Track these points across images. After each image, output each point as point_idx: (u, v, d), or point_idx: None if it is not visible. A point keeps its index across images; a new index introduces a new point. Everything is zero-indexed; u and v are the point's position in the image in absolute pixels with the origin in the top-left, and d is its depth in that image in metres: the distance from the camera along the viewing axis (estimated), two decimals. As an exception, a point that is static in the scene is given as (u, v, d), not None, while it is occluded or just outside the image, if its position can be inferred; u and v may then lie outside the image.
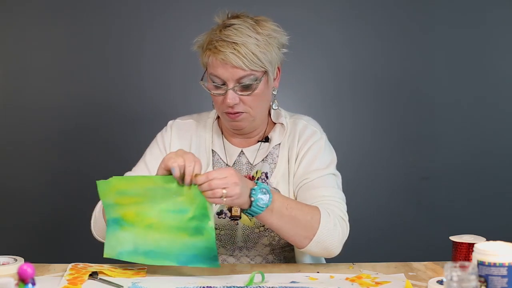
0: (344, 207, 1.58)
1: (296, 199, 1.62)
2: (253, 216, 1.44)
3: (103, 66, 2.58)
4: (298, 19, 2.52)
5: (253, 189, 1.41)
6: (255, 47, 1.53)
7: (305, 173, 1.62)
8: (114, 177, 1.42)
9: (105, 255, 1.47)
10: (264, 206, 1.42)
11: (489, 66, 2.65)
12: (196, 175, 1.37)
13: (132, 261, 1.46)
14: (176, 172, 1.37)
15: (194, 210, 1.39)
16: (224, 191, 1.35)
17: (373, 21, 2.62)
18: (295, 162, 1.65)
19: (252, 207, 1.42)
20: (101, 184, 1.43)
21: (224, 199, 1.36)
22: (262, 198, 1.41)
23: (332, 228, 1.50)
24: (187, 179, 1.37)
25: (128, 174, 1.67)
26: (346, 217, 1.56)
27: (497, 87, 2.66)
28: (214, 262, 1.42)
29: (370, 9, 2.62)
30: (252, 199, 1.41)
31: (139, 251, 1.45)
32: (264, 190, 1.42)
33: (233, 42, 1.52)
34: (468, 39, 2.63)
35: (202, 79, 1.62)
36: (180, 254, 1.43)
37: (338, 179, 1.66)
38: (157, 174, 1.42)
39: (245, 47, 1.52)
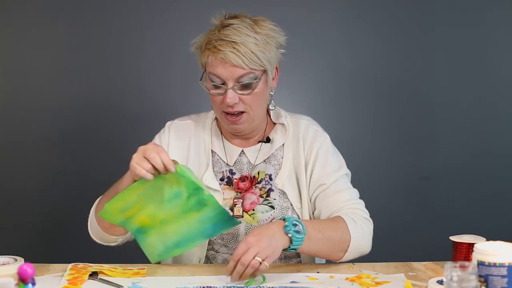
0: (363, 205, 1.64)
1: (314, 205, 1.66)
2: (295, 251, 1.46)
3: (103, 66, 2.58)
4: (298, 19, 2.52)
5: (286, 226, 1.43)
6: (254, 46, 1.53)
7: (320, 177, 1.65)
8: (106, 204, 1.44)
9: (153, 262, 1.52)
10: (302, 236, 1.44)
11: (489, 66, 2.65)
12: (173, 162, 1.38)
13: (173, 256, 1.53)
14: (149, 177, 1.39)
15: (185, 189, 1.41)
16: (258, 258, 1.36)
17: (373, 21, 2.62)
18: (306, 168, 1.66)
19: (293, 243, 1.43)
20: (103, 215, 1.46)
21: (266, 264, 1.38)
22: (298, 230, 1.43)
23: (361, 233, 1.56)
24: (164, 172, 1.38)
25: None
26: (368, 214, 1.63)
27: (497, 87, 2.66)
28: (232, 221, 1.47)
29: (370, 9, 2.61)
30: (290, 235, 1.42)
31: (170, 246, 1.49)
32: (294, 222, 1.44)
33: (233, 41, 1.52)
34: (468, 39, 2.63)
35: (201, 79, 1.62)
36: (202, 230, 1.47)
37: (349, 177, 1.71)
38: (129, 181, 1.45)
39: (245, 46, 1.52)
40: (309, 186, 1.66)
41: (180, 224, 1.46)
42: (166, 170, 1.38)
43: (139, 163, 1.39)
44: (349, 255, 1.55)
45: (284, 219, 1.44)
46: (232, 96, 1.55)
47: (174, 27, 2.56)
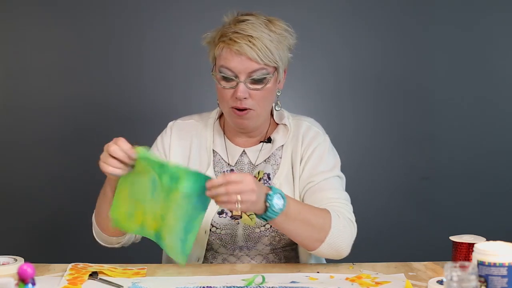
0: (350, 208, 1.60)
1: (303, 201, 1.63)
2: (266, 221, 1.44)
3: (103, 66, 2.58)
4: (298, 19, 2.51)
5: (269, 194, 1.40)
6: (269, 42, 1.54)
7: (311, 175, 1.63)
8: (110, 213, 1.45)
9: (183, 263, 1.41)
10: (279, 211, 1.41)
11: (490, 66, 2.65)
12: (133, 148, 1.38)
13: (191, 244, 1.41)
14: (118, 172, 1.39)
15: (155, 172, 1.37)
16: (239, 197, 1.34)
17: (374, 21, 2.62)
18: (300, 165, 1.66)
19: (267, 212, 1.40)
20: (117, 224, 1.46)
21: (238, 206, 1.35)
22: (277, 203, 1.40)
23: (342, 230, 1.51)
24: (128, 161, 1.38)
25: None
26: (354, 218, 1.58)
27: (497, 87, 2.66)
28: (207, 178, 1.38)
29: (371, 9, 2.61)
30: (268, 204, 1.40)
31: (183, 238, 1.40)
32: (279, 195, 1.41)
33: (249, 35, 1.53)
34: (468, 39, 2.63)
35: (212, 71, 1.61)
36: (193, 204, 1.38)
37: (342, 181, 1.67)
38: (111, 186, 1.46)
39: (260, 41, 1.53)
40: (299, 182, 1.65)
41: (173, 209, 1.38)
42: (130, 158, 1.38)
43: (105, 161, 1.40)
44: (324, 249, 1.50)
45: (270, 188, 1.41)
46: (243, 90, 1.55)
47: (174, 27, 2.56)
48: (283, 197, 1.42)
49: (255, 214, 1.43)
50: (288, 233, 1.49)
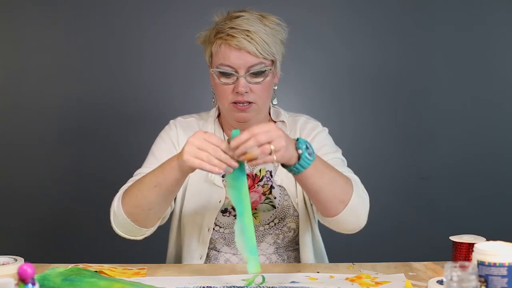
0: (361, 183, 1.56)
1: None
2: (298, 173, 1.36)
3: (103, 66, 2.58)
4: (297, 18, 2.51)
5: (298, 141, 1.35)
6: (265, 36, 1.54)
7: None
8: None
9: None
10: (311, 158, 1.36)
11: (490, 66, 2.65)
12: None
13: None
14: (210, 168, 1.31)
15: None
16: (272, 146, 1.28)
17: (373, 21, 2.62)
18: None
19: (300, 160, 1.34)
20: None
21: (274, 156, 1.29)
22: (308, 151, 1.36)
23: (362, 195, 1.49)
24: (233, 163, 1.31)
25: (138, 171, 1.63)
26: (366, 191, 1.54)
27: (498, 86, 2.66)
28: None
29: (370, 9, 2.61)
30: (300, 151, 1.34)
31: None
32: (307, 144, 1.37)
33: (246, 30, 1.53)
34: (469, 38, 2.63)
35: (212, 67, 1.60)
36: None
37: (345, 163, 1.65)
38: (176, 172, 1.39)
39: (257, 35, 1.53)
40: None
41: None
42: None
43: (193, 156, 1.31)
44: (346, 215, 1.45)
45: (296, 139, 1.37)
46: (244, 84, 1.54)
47: (174, 27, 2.56)
48: (311, 146, 1.38)
49: (286, 166, 1.37)
50: (316, 191, 1.42)
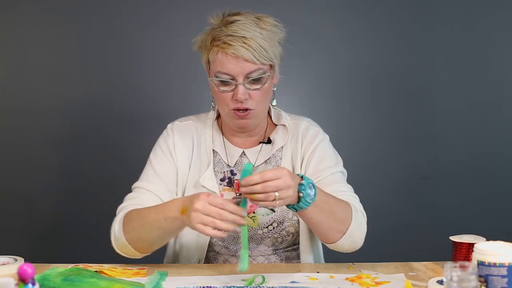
0: (358, 200, 1.61)
1: None
2: (296, 211, 1.42)
3: (103, 66, 2.58)
4: (298, 18, 2.52)
5: (302, 184, 1.38)
6: (262, 41, 1.53)
7: (316, 172, 1.63)
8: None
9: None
10: (311, 202, 1.39)
11: (490, 66, 2.65)
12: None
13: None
14: (220, 234, 1.34)
15: None
16: (276, 193, 1.33)
17: (373, 21, 2.62)
18: (301, 165, 1.66)
19: (300, 203, 1.39)
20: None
21: (277, 202, 1.33)
22: (310, 194, 1.39)
23: (360, 222, 1.53)
24: (241, 221, 1.34)
25: (136, 184, 1.64)
26: (363, 209, 1.59)
27: (498, 87, 2.66)
28: None
29: (370, 9, 2.61)
30: (301, 194, 1.38)
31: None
32: (310, 184, 1.40)
33: (242, 37, 1.51)
34: (469, 38, 2.63)
35: (210, 76, 1.59)
36: None
37: (345, 176, 1.68)
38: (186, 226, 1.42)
39: (254, 41, 1.51)
40: None
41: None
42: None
43: (199, 220, 1.34)
44: (344, 241, 1.50)
45: (302, 177, 1.40)
46: (243, 92, 1.54)
47: (174, 27, 2.56)
48: (314, 186, 1.41)
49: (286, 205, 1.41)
50: (314, 224, 1.48)
